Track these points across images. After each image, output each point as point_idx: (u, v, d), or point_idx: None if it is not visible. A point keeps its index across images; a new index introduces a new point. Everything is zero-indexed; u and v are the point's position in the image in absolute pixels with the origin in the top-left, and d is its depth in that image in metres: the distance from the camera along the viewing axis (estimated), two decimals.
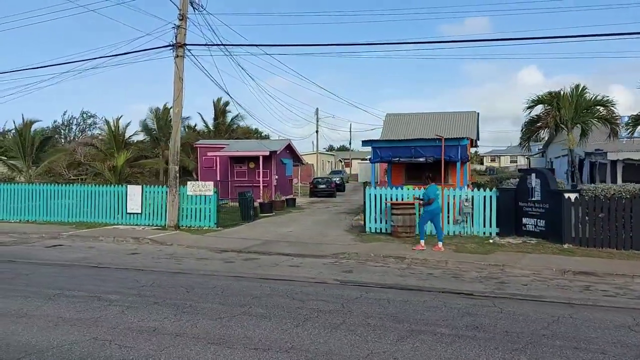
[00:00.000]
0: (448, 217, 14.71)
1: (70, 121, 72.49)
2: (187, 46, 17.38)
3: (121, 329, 6.30)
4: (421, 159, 16.89)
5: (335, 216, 22.12)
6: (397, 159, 17.17)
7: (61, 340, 5.84)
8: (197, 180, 33.96)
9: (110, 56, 18.38)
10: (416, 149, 16.89)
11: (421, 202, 12.81)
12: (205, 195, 17.37)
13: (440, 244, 12.31)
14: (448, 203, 14.74)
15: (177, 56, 17.23)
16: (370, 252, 12.13)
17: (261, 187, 29.18)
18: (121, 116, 54.40)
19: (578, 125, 19.47)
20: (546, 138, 20.94)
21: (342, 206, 27.68)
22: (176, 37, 17.29)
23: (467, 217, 14.48)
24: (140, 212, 17.93)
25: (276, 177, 36.74)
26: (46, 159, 37.55)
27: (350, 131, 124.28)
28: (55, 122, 63.37)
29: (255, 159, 35.18)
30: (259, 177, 34.81)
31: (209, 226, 17.23)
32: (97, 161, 44.83)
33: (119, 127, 45.58)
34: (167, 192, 17.79)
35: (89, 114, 71.36)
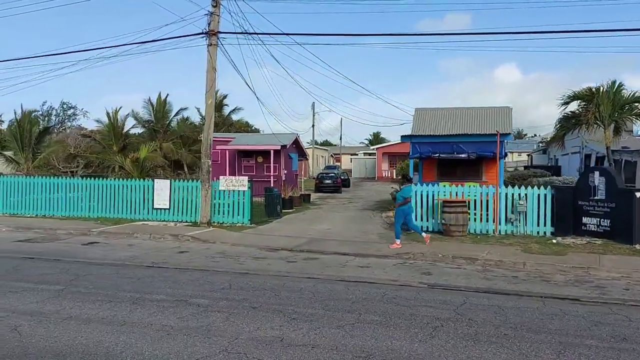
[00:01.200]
0: (500, 215, 14.23)
1: (50, 112, 68.95)
2: (220, 34, 16.63)
3: (244, 339, 5.70)
4: (463, 155, 16.40)
5: (359, 212, 21.61)
6: (438, 154, 16.65)
7: (191, 353, 5.22)
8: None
9: (138, 43, 17.58)
10: (457, 145, 16.40)
11: (400, 202, 12.85)
12: (239, 191, 16.65)
13: (398, 241, 12.47)
14: (505, 202, 14.27)
15: (210, 44, 16.51)
16: (434, 252, 11.61)
17: (272, 181, 28.49)
18: (120, 107, 52.75)
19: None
20: (584, 134, 20.47)
21: (357, 202, 27.13)
22: (209, 24, 16.57)
23: (520, 216, 14.00)
24: (168, 207, 17.19)
25: (285, 171, 36.09)
26: (44, 152, 36.46)
27: (341, 125, 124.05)
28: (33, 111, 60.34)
29: (264, 153, 34.49)
30: (267, 171, 34.14)
31: (242, 223, 16.57)
32: (94, 153, 43.87)
33: (117, 119, 44.58)
34: (197, 187, 17.09)
35: (69, 105, 68.31)
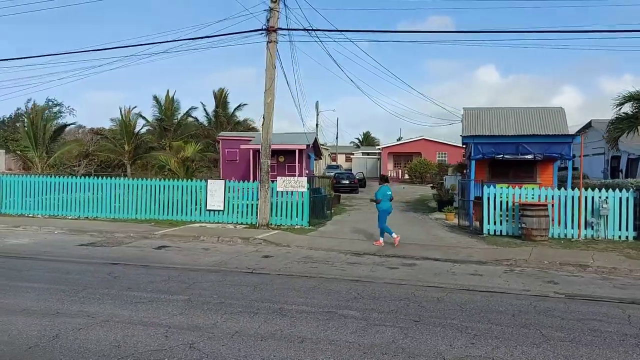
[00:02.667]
0: (580, 219, 13.79)
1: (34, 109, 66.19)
2: (279, 31, 16.05)
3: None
4: (529, 156, 15.97)
5: (403, 214, 21.13)
6: (502, 155, 16.19)
7: None
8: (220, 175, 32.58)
9: (191, 39, 16.89)
10: (522, 146, 15.95)
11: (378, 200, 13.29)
12: (298, 192, 16.09)
13: (381, 239, 13.03)
14: (586, 205, 13.83)
15: (269, 41, 15.95)
16: (536, 258, 11.13)
17: None
18: (134, 107, 51.60)
19: None
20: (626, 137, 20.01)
21: None
22: (268, 20, 15.98)
23: (601, 220, 13.58)
24: (222, 209, 16.58)
25: (307, 171, 35.56)
26: (58, 150, 35.56)
27: (337, 126, 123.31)
28: (18, 109, 57.81)
29: (287, 152, 33.92)
30: (290, 171, 33.60)
31: (302, 225, 16.02)
32: (104, 151, 42.92)
33: (129, 117, 43.73)
34: (254, 187, 16.53)
35: (55, 102, 66.51)
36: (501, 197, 14.52)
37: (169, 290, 8.01)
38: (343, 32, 16.61)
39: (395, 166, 64.26)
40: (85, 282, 8.57)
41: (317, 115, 69.94)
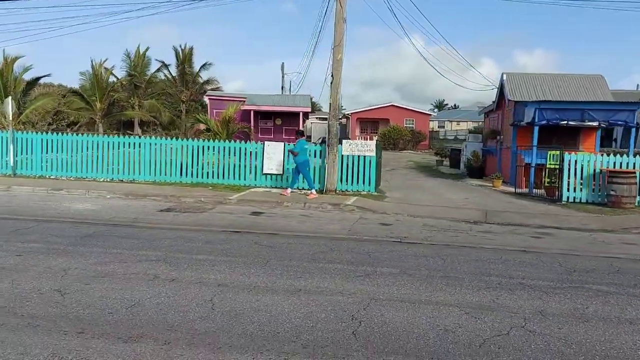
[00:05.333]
0: None
1: None
2: None
3: None
4: (594, 123, 15.89)
5: (435, 179, 20.85)
6: (566, 121, 15.99)
7: None
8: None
9: None
10: (587, 112, 15.82)
11: (294, 155, 14.04)
12: (365, 156, 15.29)
13: (313, 190, 13.92)
14: None
15: None
16: None
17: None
18: (106, 59, 47.93)
19: None
20: None
21: (399, 169, 26.04)
22: None
23: None
24: (281, 173, 15.52)
25: (313, 135, 34.51)
26: (31, 105, 32.70)
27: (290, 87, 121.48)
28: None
29: (286, 115, 32.72)
30: (287, 134, 32.44)
31: (369, 191, 15.27)
32: (76, 109, 39.96)
33: (101, 72, 40.81)
34: (317, 151, 15.57)
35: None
36: (582, 164, 14.28)
37: (363, 262, 7.20)
38: None
39: (362, 132, 63.84)
40: (256, 253, 7.58)
41: (283, 77, 67.90)
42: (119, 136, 18.75)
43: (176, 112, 48.33)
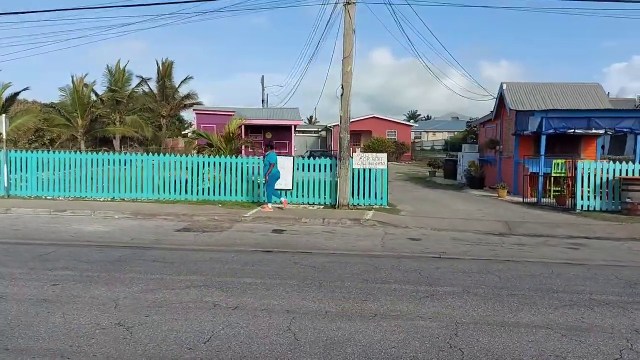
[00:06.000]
0: None
1: None
2: None
3: None
4: (600, 131, 15.97)
5: (434, 191, 20.76)
6: (573, 129, 16.04)
7: None
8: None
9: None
10: (594, 120, 15.89)
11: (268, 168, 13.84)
12: (377, 169, 15.05)
13: (269, 204, 13.75)
14: None
15: (347, 3, 14.59)
16: None
17: None
18: (87, 74, 46.90)
19: None
20: None
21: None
22: None
23: None
24: (290, 188, 15.16)
25: (295, 149, 34.21)
26: (12, 123, 31.62)
27: (267, 100, 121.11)
28: None
29: (277, 128, 32.38)
30: (279, 148, 32.05)
31: (381, 204, 15.03)
32: (57, 126, 38.94)
33: (82, 86, 39.90)
34: (327, 165, 15.28)
35: None
36: (594, 172, 14.28)
37: (419, 281, 6.93)
38: None
39: None
40: (302, 274, 7.21)
41: (263, 90, 67.60)
42: (104, 153, 18.12)
43: (155, 127, 47.49)
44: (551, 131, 16.09)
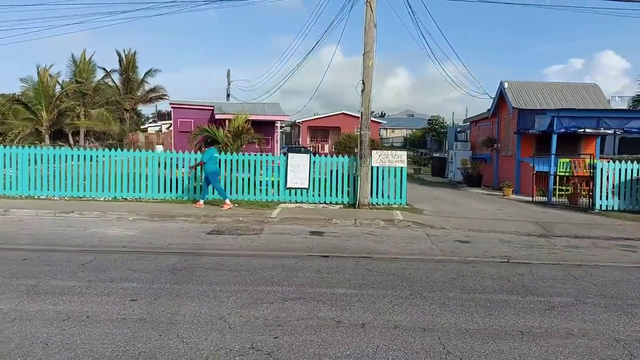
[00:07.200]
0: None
1: None
2: None
3: None
4: (609, 131, 16.13)
5: (433, 188, 20.64)
6: (583, 129, 16.14)
7: None
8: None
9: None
10: (603, 120, 16.03)
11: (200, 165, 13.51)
12: (395, 167, 14.68)
13: (227, 200, 13.29)
14: None
15: None
16: None
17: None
18: (52, 65, 44.55)
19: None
20: None
21: None
22: None
23: None
24: (307, 186, 14.61)
25: (278, 145, 33.45)
26: None
27: (229, 92, 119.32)
28: None
29: (261, 124, 31.47)
30: (257, 145, 31.25)
31: (400, 204, 14.65)
32: (21, 120, 36.92)
33: (47, 78, 38.03)
34: (345, 162, 14.81)
35: None
36: (614, 171, 14.36)
37: (515, 290, 6.59)
38: None
39: (312, 139, 63.57)
40: (385, 282, 6.73)
41: (229, 84, 66.39)
42: (79, 149, 16.94)
43: (117, 121, 45.75)
44: (562, 130, 16.12)
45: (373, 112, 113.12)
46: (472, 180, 21.69)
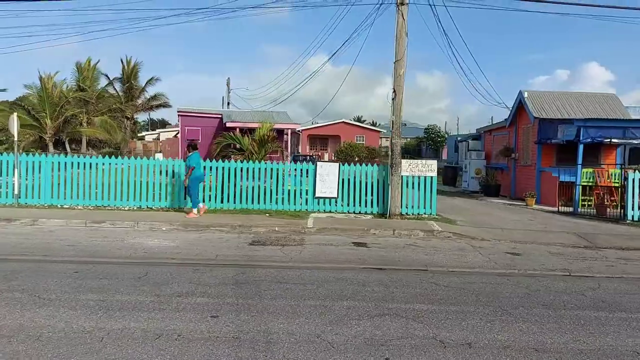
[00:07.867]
0: None
1: None
2: None
3: None
4: (635, 141, 16.04)
5: (451, 198, 20.44)
6: (609, 139, 16.05)
7: None
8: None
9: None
10: (630, 130, 15.96)
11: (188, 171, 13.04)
12: (425, 177, 14.49)
13: (195, 210, 12.92)
14: None
15: (401, 3, 14.01)
16: None
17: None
18: (57, 72, 44.07)
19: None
20: None
21: None
22: None
23: None
24: (335, 196, 14.39)
25: (286, 154, 33.20)
26: None
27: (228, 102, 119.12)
28: None
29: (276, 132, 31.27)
30: (271, 153, 31.01)
31: (430, 214, 14.45)
32: (23, 127, 36.47)
33: (51, 85, 37.64)
34: (374, 171, 14.63)
35: None
36: None
37: (598, 306, 6.41)
38: None
39: (312, 148, 63.57)
40: (457, 297, 6.52)
41: (229, 93, 66.37)
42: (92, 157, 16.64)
43: (120, 129, 45.41)
44: (588, 140, 16.01)
45: (364, 120, 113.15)
46: (490, 189, 21.55)
